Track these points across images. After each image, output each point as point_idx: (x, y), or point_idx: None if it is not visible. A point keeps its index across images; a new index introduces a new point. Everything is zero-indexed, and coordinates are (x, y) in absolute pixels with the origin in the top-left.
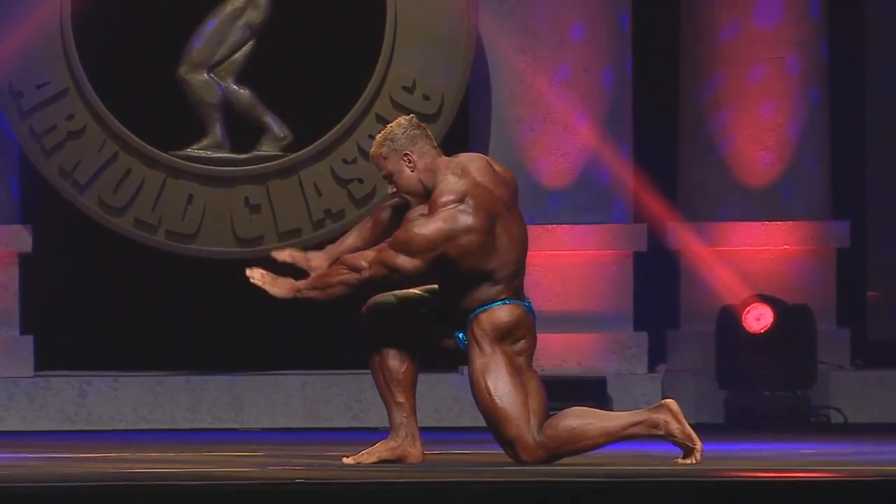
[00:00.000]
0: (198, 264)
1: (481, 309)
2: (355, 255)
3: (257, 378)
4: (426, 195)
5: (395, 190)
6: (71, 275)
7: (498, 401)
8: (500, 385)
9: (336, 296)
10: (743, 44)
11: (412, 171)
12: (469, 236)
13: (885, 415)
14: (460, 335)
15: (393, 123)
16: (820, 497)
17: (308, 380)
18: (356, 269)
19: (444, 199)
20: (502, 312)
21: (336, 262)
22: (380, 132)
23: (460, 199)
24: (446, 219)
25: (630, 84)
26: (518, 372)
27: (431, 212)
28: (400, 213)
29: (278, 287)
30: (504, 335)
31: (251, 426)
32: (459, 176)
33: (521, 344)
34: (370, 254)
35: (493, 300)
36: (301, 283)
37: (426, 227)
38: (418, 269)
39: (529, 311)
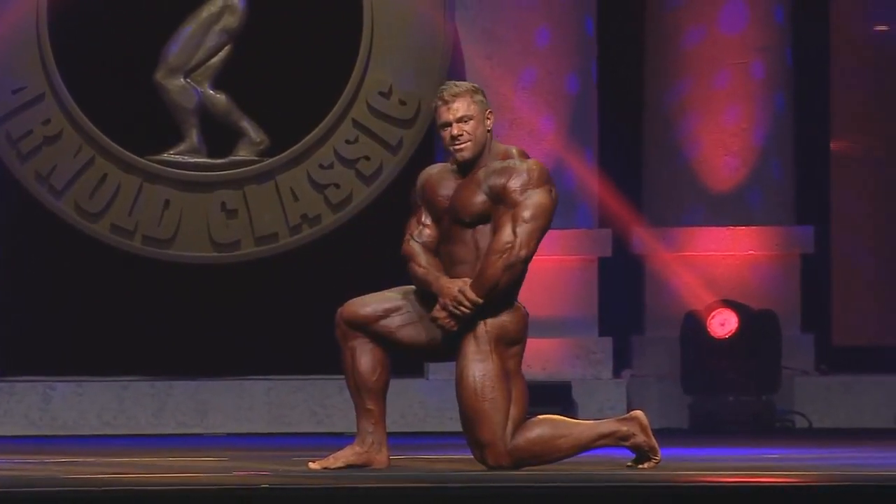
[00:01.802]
0: (165, 269)
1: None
2: (495, 241)
3: (222, 383)
4: (477, 160)
5: (458, 133)
6: (36, 279)
7: (484, 403)
8: (488, 388)
9: (509, 281)
10: (708, 49)
11: (487, 130)
12: (555, 187)
13: (849, 420)
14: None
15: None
16: (785, 502)
17: (273, 385)
18: (509, 246)
19: (522, 155)
20: (507, 313)
21: (486, 253)
22: (453, 85)
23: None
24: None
25: (595, 89)
26: (507, 377)
27: (511, 161)
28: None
29: (452, 320)
30: (503, 335)
31: (216, 431)
32: None
33: (516, 348)
34: (506, 226)
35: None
36: (470, 298)
37: (531, 162)
38: (555, 201)
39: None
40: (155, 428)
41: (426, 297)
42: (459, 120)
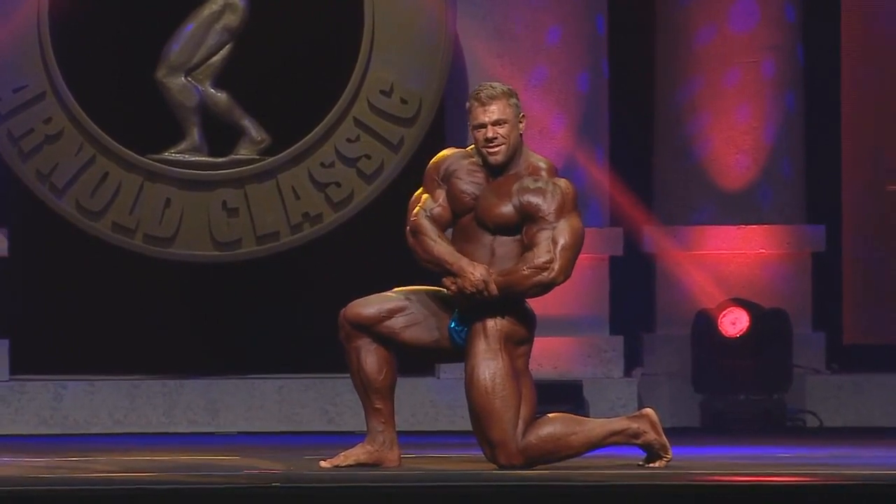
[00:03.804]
0: (174, 268)
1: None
2: (533, 254)
3: (233, 381)
4: (508, 164)
5: (493, 136)
6: (46, 278)
7: (495, 401)
8: (499, 386)
9: (532, 297)
10: (718, 47)
11: (520, 133)
12: None
13: (860, 419)
14: (452, 324)
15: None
16: (796, 501)
17: (284, 383)
18: (547, 267)
19: (552, 171)
20: (517, 312)
21: (522, 261)
22: (491, 85)
23: None
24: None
25: (606, 88)
26: (517, 375)
27: (543, 179)
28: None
29: (479, 286)
30: (512, 334)
31: (227, 430)
32: None
33: (524, 347)
34: (544, 244)
35: None
36: (490, 291)
37: (563, 184)
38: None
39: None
40: (166, 426)
41: (430, 297)
42: (495, 123)
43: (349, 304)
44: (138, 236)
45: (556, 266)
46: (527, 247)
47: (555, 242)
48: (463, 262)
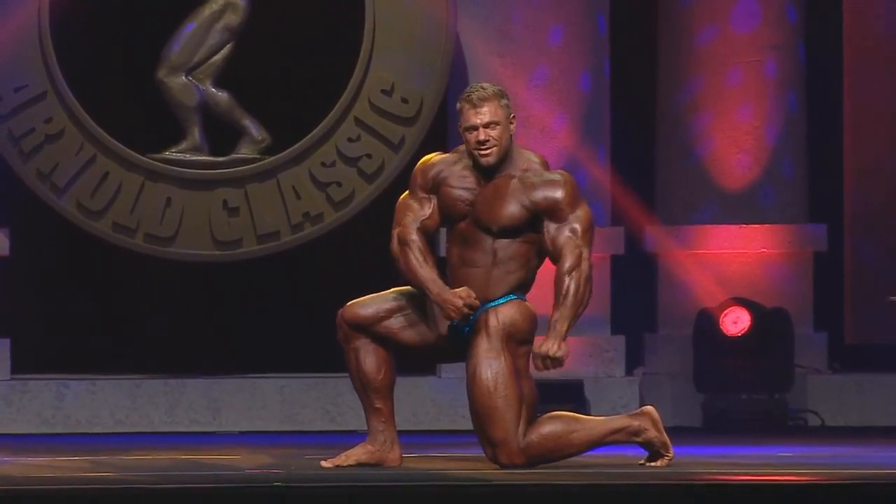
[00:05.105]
0: (175, 267)
1: (503, 300)
2: (563, 259)
3: (235, 381)
4: (499, 164)
5: (485, 139)
6: (48, 277)
7: (497, 400)
8: (501, 385)
9: (591, 295)
10: (720, 47)
11: (511, 134)
12: None
13: (861, 418)
14: (454, 323)
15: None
16: (798, 500)
17: (286, 383)
18: (580, 259)
19: (544, 164)
20: (519, 312)
21: (561, 275)
22: (481, 86)
23: None
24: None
25: (608, 88)
26: (518, 374)
27: (543, 172)
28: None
29: (560, 349)
30: (515, 334)
31: (229, 429)
32: None
33: (525, 347)
34: (569, 240)
35: (518, 287)
36: (562, 330)
37: (565, 175)
38: None
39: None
40: (168, 426)
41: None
42: (487, 125)
43: (347, 304)
44: (139, 236)
45: (586, 253)
46: (551, 250)
47: (574, 233)
48: (445, 294)
